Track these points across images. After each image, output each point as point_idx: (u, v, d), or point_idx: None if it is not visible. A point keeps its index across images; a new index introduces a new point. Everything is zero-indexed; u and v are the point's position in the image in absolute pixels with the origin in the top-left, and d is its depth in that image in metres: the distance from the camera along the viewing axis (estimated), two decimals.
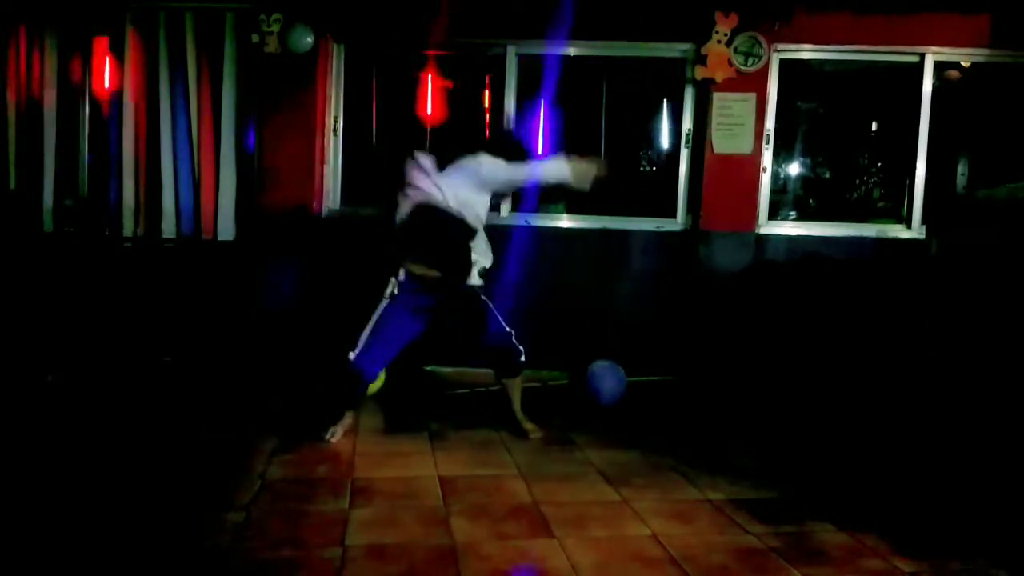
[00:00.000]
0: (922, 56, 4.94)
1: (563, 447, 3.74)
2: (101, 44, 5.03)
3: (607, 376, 4.48)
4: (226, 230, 5.03)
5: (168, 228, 5.03)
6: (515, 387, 3.89)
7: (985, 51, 4.94)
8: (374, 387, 4.43)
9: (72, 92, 5.06)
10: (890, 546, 2.69)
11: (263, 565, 2.46)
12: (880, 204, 5.41)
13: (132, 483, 3.07)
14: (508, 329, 3.78)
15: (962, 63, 5.07)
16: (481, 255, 3.71)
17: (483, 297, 3.77)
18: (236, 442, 3.60)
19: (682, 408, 4.51)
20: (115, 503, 2.86)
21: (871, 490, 3.25)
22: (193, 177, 5.03)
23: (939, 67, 5.00)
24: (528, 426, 3.87)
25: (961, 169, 5.37)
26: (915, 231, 5.03)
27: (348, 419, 3.77)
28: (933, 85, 4.98)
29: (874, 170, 5.55)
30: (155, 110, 4.99)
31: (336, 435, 3.67)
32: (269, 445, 3.56)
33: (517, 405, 3.90)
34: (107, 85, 5.05)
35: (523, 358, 3.81)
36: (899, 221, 5.13)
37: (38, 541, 2.56)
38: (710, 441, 3.89)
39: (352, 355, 3.62)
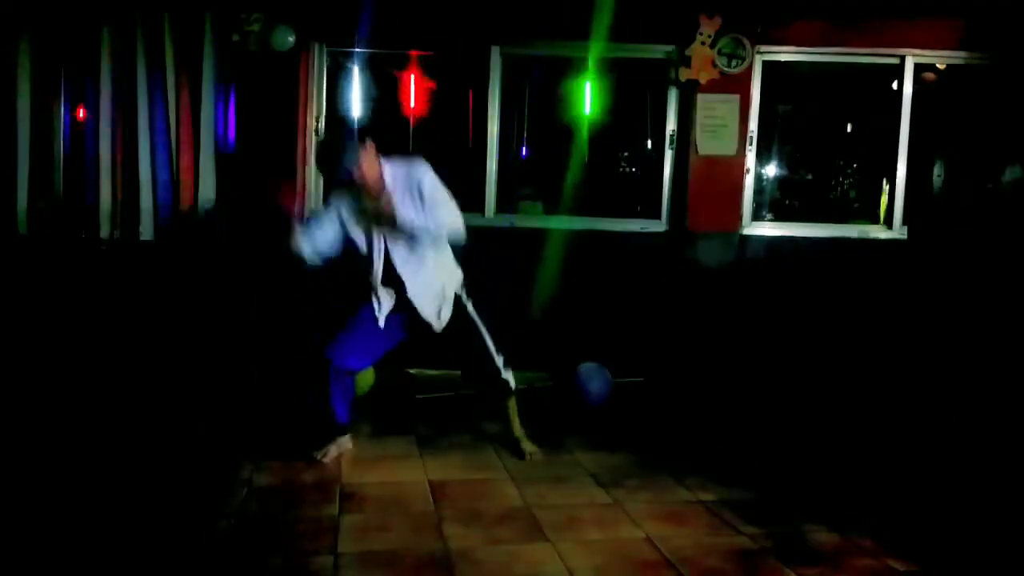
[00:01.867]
0: (902, 58, 5.00)
1: (552, 449, 3.72)
2: (77, 43, 4.92)
3: (594, 377, 4.47)
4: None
5: (146, 230, 4.93)
6: (510, 408, 3.65)
7: (963, 54, 5.01)
8: (364, 387, 4.39)
9: (47, 91, 4.94)
10: (883, 546, 2.70)
11: (253, 574, 2.41)
12: (860, 205, 5.46)
13: (113, 492, 2.99)
14: (493, 351, 3.50)
15: (938, 65, 5.14)
16: (449, 272, 3.46)
17: (470, 311, 3.50)
18: (220, 448, 3.53)
19: (670, 409, 4.51)
20: (97, 513, 2.79)
21: (862, 490, 3.26)
22: (172, 178, 4.93)
23: (919, 69, 5.06)
24: (528, 447, 3.60)
25: (937, 171, 5.45)
26: (896, 231, 5.08)
27: (347, 442, 3.56)
28: (913, 87, 5.03)
29: (850, 171, 5.61)
30: (132, 109, 4.89)
31: (329, 455, 3.47)
32: (254, 451, 3.50)
33: (515, 425, 3.65)
34: (83, 84, 4.93)
35: (511, 384, 3.58)
36: (880, 222, 5.18)
37: (20, 550, 2.48)
38: (699, 442, 3.89)
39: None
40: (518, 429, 3.66)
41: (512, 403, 3.65)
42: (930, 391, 4.03)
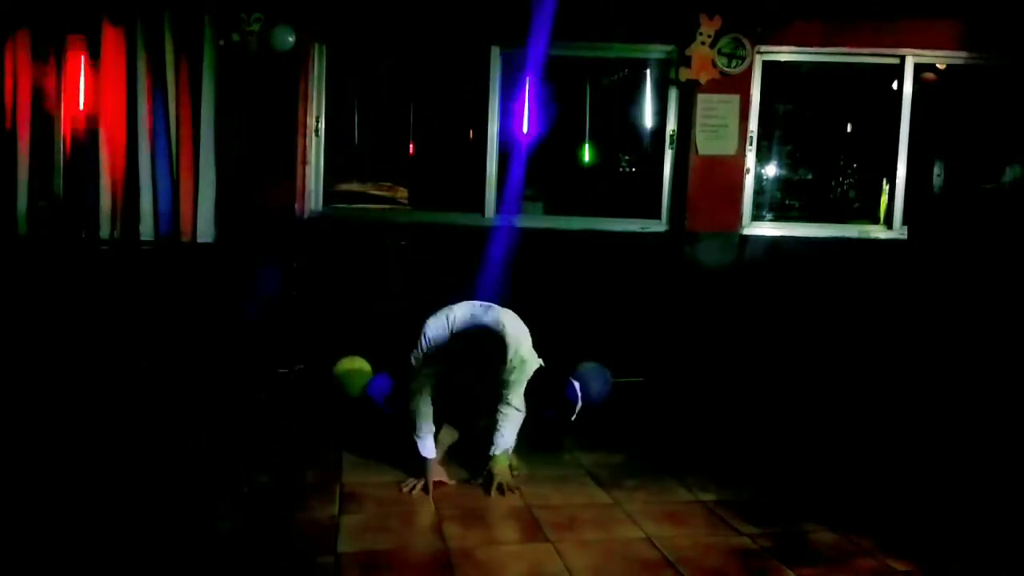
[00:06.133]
0: (902, 58, 5.00)
1: (552, 449, 3.72)
2: (77, 42, 4.92)
3: (594, 377, 4.47)
4: (206, 232, 4.93)
5: (146, 230, 4.92)
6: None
7: (963, 54, 5.00)
8: (361, 388, 4.38)
9: (47, 91, 4.94)
10: (883, 546, 2.70)
11: (253, 574, 2.41)
12: (859, 205, 5.46)
13: (114, 493, 2.99)
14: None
15: (938, 65, 5.14)
16: None
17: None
18: (220, 449, 3.53)
19: (670, 409, 4.51)
20: (97, 514, 2.79)
21: (862, 490, 3.26)
22: (172, 178, 4.93)
23: (919, 69, 5.06)
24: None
25: (937, 171, 5.45)
26: (896, 231, 5.08)
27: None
28: (913, 87, 5.03)
29: (850, 171, 5.60)
30: (132, 109, 4.88)
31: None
32: (253, 452, 3.50)
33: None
34: (83, 84, 4.94)
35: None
36: (880, 222, 5.18)
37: (21, 550, 2.48)
38: (699, 442, 3.89)
39: None
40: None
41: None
42: (930, 391, 4.02)
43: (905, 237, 5.01)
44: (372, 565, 2.47)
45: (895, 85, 5.09)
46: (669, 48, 4.96)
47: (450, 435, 3.52)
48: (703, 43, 4.81)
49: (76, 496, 2.94)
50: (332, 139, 5.13)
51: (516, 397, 3.26)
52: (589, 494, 3.16)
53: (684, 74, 4.87)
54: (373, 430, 3.97)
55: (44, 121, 4.95)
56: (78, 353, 4.70)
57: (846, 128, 5.59)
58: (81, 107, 4.97)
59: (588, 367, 4.55)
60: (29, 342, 4.67)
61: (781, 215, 5.31)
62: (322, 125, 5.06)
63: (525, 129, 5.13)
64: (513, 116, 5.10)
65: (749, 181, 5.05)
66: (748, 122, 4.96)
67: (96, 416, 3.95)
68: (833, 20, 4.88)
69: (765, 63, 5.00)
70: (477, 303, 3.31)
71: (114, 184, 4.93)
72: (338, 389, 4.37)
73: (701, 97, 4.90)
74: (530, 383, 3.31)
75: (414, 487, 3.13)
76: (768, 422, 4.23)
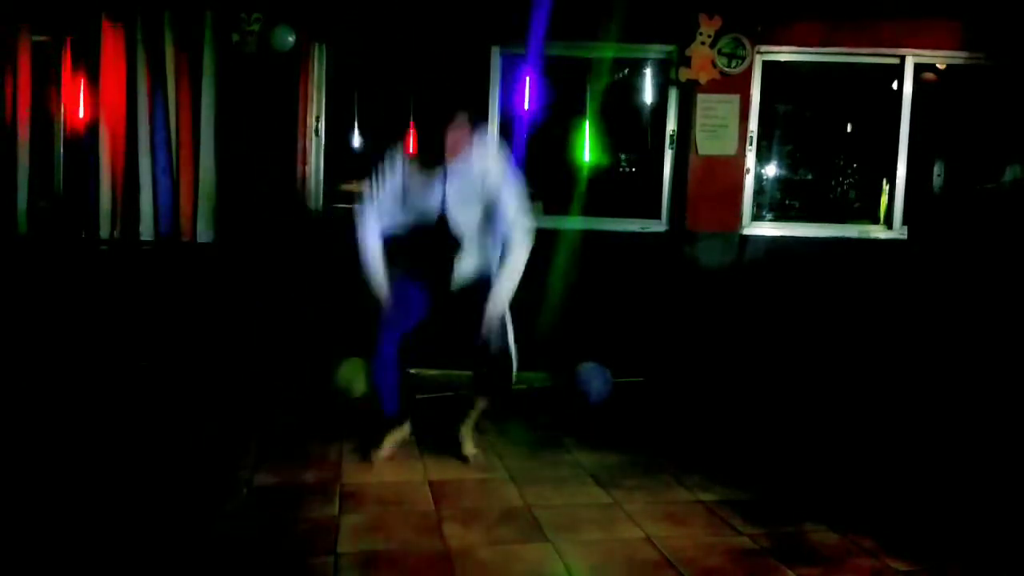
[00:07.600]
0: (902, 58, 5.00)
1: (552, 449, 3.72)
2: (77, 42, 4.92)
3: (594, 377, 4.47)
4: (205, 232, 4.94)
5: (146, 230, 4.93)
6: (478, 404, 3.54)
7: (963, 54, 5.01)
8: (361, 388, 4.38)
9: (47, 91, 4.95)
10: (884, 546, 2.70)
11: (253, 574, 2.41)
12: (860, 205, 5.46)
13: (113, 493, 2.99)
14: (507, 343, 3.44)
15: (938, 65, 5.14)
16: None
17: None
18: (219, 449, 3.53)
19: (670, 409, 4.51)
20: (97, 514, 2.79)
21: (862, 490, 3.26)
22: (172, 178, 4.94)
23: (919, 69, 5.07)
24: (469, 449, 3.52)
25: (937, 171, 5.45)
26: (896, 231, 5.08)
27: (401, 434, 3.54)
28: (913, 87, 5.04)
29: (850, 171, 5.60)
30: (132, 109, 4.89)
31: (384, 451, 3.45)
32: (254, 452, 3.50)
33: (471, 421, 3.57)
34: (83, 84, 4.94)
35: (510, 381, 3.44)
36: (880, 222, 5.18)
37: (20, 550, 2.48)
38: (699, 442, 3.89)
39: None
40: (471, 427, 3.57)
41: (483, 402, 3.53)
42: (930, 391, 4.02)
43: (905, 237, 5.01)
44: (372, 565, 2.47)
45: (895, 85, 5.10)
46: (669, 48, 4.97)
47: (401, 432, 3.55)
48: (703, 43, 4.82)
49: (75, 496, 2.94)
50: (332, 139, 5.14)
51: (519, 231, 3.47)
52: (589, 494, 3.15)
53: (684, 74, 4.87)
54: (373, 430, 3.97)
55: (44, 120, 4.96)
56: (78, 353, 4.70)
57: (846, 128, 5.59)
58: (81, 107, 4.98)
59: (588, 367, 4.56)
60: (29, 342, 4.67)
61: (781, 215, 5.32)
62: (322, 125, 5.06)
63: (525, 129, 5.13)
64: (513, 116, 5.10)
65: (749, 181, 5.05)
66: (748, 122, 4.96)
67: (96, 416, 3.95)
68: (833, 20, 4.89)
69: (765, 63, 5.01)
70: None
71: (114, 184, 4.94)
72: (340, 390, 4.38)
73: (701, 97, 4.90)
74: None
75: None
76: (768, 422, 4.23)
